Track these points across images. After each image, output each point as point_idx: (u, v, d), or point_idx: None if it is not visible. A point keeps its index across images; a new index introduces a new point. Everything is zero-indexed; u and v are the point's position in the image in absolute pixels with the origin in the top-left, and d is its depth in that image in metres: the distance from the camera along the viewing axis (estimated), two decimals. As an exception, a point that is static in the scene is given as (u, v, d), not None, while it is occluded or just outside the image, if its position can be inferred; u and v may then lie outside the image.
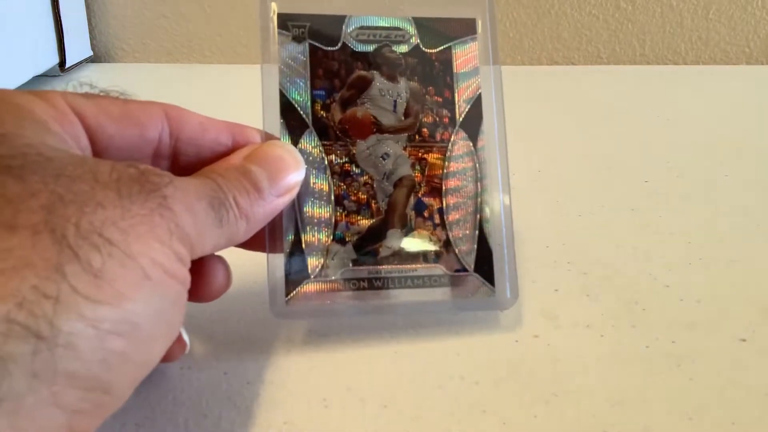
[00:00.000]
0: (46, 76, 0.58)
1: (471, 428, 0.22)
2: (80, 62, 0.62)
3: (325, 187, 0.26)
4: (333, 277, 0.25)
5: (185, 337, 0.23)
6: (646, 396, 0.24)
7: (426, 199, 0.27)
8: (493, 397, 0.24)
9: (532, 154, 0.45)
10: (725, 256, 0.32)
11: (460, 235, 0.27)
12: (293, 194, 0.23)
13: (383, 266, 0.26)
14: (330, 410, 0.23)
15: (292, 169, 0.23)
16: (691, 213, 0.37)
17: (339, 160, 0.26)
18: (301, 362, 0.25)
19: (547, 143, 0.47)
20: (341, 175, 0.26)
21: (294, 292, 0.25)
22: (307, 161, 0.25)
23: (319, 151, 0.26)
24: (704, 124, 0.50)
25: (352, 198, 0.26)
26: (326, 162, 0.26)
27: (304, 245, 0.25)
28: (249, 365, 0.25)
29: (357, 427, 0.22)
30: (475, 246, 0.27)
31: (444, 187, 0.27)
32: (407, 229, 0.26)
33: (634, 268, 0.31)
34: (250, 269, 0.27)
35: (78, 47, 0.62)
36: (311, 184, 0.25)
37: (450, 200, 0.27)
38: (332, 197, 0.26)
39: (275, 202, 0.22)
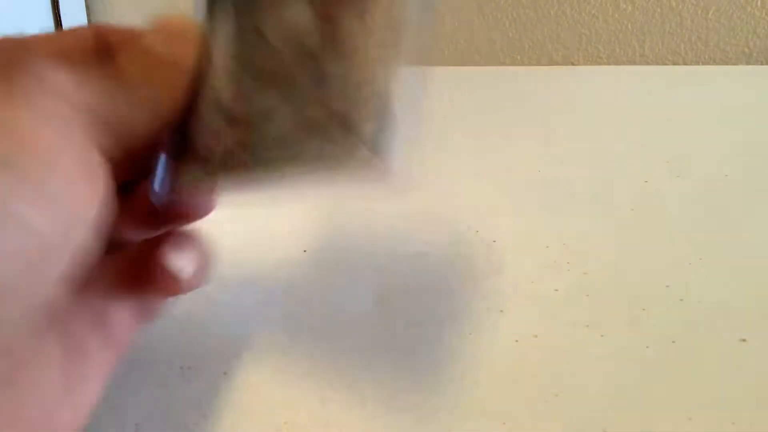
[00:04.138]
0: (46, 76, 0.58)
1: (471, 428, 0.22)
2: (80, 62, 0.62)
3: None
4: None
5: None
6: (646, 396, 0.24)
7: None
8: (493, 397, 0.24)
9: (532, 154, 0.45)
10: (725, 256, 0.32)
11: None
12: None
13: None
14: (330, 410, 0.23)
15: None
16: (691, 213, 0.37)
17: None
18: (301, 362, 0.25)
19: (547, 143, 0.47)
20: None
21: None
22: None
23: None
24: (704, 124, 0.50)
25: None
26: None
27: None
28: (248, 365, 0.25)
29: (357, 427, 0.22)
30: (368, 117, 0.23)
31: None
32: None
33: (634, 267, 0.31)
34: (251, 268, 0.27)
35: (78, 47, 0.62)
36: None
37: None
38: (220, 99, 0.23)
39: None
